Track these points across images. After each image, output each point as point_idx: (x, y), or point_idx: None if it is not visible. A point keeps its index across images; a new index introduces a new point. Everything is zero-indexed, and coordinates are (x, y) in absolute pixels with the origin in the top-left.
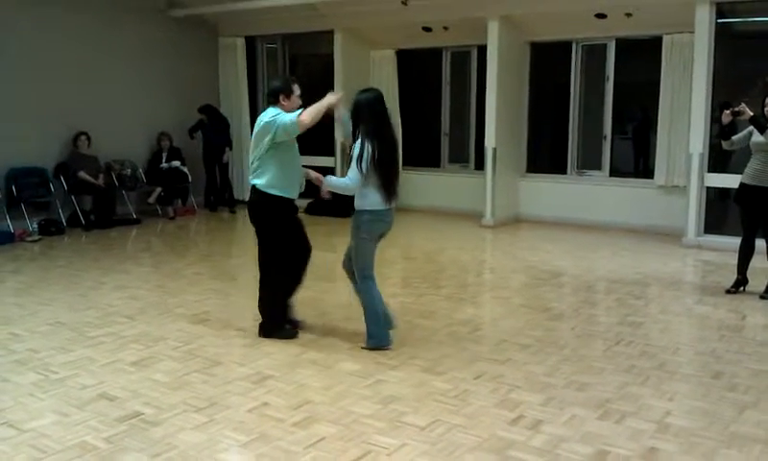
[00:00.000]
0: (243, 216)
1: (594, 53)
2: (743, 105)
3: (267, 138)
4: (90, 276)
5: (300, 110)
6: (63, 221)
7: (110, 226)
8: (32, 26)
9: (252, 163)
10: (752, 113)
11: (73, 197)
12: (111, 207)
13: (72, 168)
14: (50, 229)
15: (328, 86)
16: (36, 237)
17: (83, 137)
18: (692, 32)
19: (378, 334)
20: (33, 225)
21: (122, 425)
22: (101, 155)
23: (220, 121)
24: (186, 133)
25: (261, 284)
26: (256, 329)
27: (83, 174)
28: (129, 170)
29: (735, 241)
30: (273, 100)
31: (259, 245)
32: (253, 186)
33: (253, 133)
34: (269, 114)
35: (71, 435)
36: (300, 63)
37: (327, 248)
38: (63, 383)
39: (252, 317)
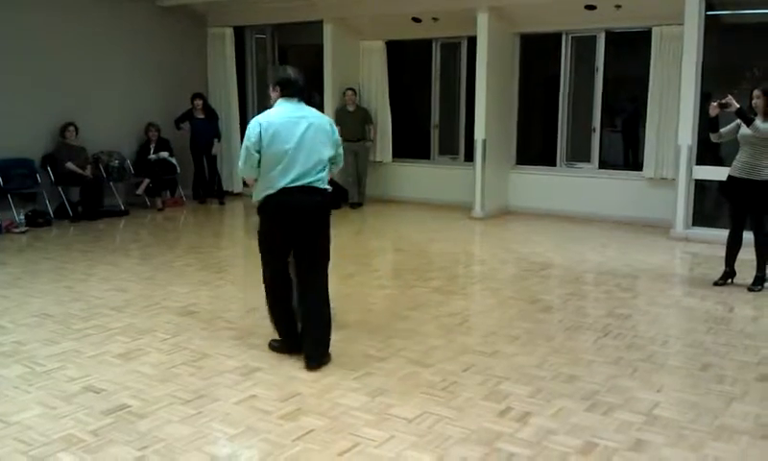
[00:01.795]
0: (231, 208)
1: (584, 45)
2: (729, 96)
3: (332, 150)
4: (77, 268)
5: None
6: (51, 212)
7: (98, 217)
8: (17, 16)
9: (322, 167)
10: (738, 105)
11: (60, 188)
12: (99, 199)
13: (59, 159)
14: (37, 220)
15: (318, 77)
16: (23, 229)
17: (70, 128)
18: (681, 24)
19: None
20: (20, 216)
21: (108, 418)
22: (88, 146)
23: (208, 112)
24: (173, 124)
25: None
26: (244, 322)
27: (70, 165)
28: (117, 161)
29: (723, 234)
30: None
31: (326, 249)
32: (324, 190)
33: (313, 132)
34: (328, 121)
35: (57, 428)
36: (289, 54)
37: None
38: (50, 376)
39: (244, 309)
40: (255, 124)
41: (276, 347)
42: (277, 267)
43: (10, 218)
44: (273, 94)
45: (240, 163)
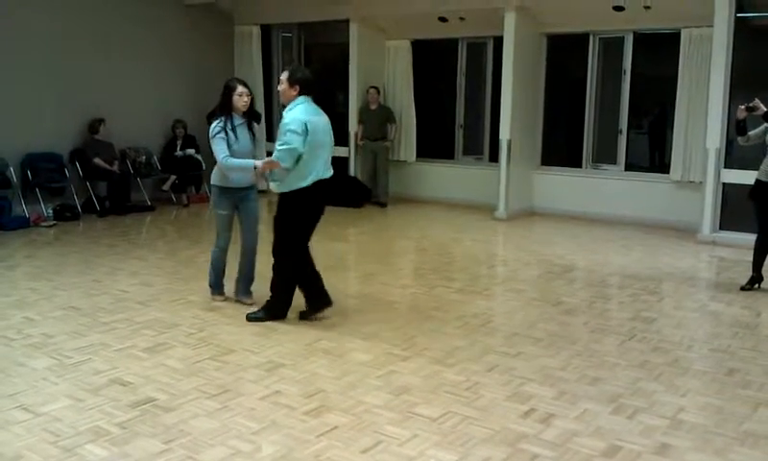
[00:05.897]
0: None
1: (611, 46)
2: (757, 100)
3: None
4: (104, 262)
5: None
6: (78, 207)
7: (125, 212)
8: (48, 14)
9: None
10: (765, 109)
11: (88, 183)
12: (126, 194)
13: (87, 154)
14: (65, 214)
15: (343, 76)
16: (51, 222)
17: (101, 124)
18: (711, 26)
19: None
20: (48, 210)
21: (135, 411)
22: (116, 141)
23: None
24: (205, 119)
25: None
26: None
27: (98, 160)
28: (144, 157)
29: (751, 238)
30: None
31: None
32: None
33: (329, 128)
34: None
35: (84, 420)
36: (315, 53)
37: (339, 238)
38: (77, 368)
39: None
40: (299, 121)
41: (307, 313)
42: (303, 246)
43: (38, 212)
44: (290, 91)
45: (285, 155)
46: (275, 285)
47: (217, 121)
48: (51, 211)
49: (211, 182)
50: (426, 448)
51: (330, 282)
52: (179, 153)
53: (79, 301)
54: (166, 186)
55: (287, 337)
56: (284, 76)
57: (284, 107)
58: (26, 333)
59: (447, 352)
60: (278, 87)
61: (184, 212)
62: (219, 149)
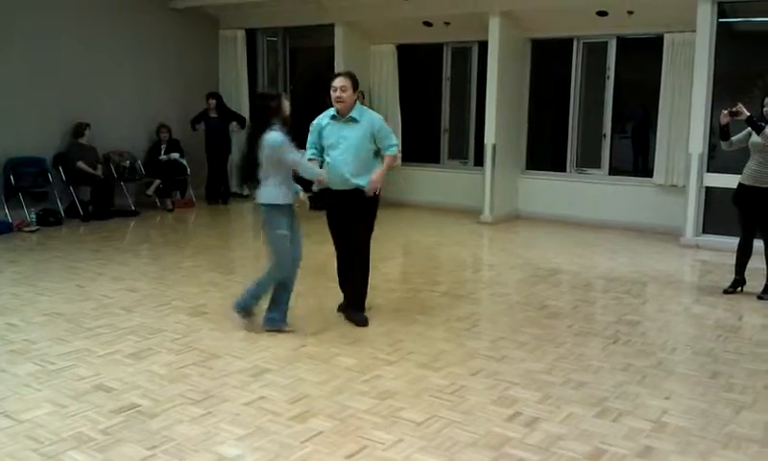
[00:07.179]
0: (240, 209)
1: (595, 50)
2: (740, 105)
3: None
4: (88, 267)
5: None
6: (62, 211)
7: (109, 217)
8: (32, 17)
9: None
10: (748, 114)
11: (71, 187)
12: (110, 199)
13: (71, 159)
14: (48, 219)
15: (328, 80)
16: (34, 227)
17: (87, 128)
18: (694, 31)
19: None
20: (31, 215)
21: (118, 417)
22: (100, 146)
23: (222, 112)
24: (189, 124)
25: None
26: (254, 324)
27: (81, 164)
28: (128, 161)
29: (733, 241)
30: None
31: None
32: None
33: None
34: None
35: (68, 426)
36: (300, 57)
37: (324, 241)
38: (60, 374)
39: (253, 310)
40: None
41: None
42: None
43: (21, 217)
44: (354, 96)
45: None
46: (364, 280)
47: (274, 133)
48: (34, 216)
49: (263, 202)
50: (411, 453)
51: (317, 286)
52: (163, 157)
53: (62, 306)
54: (150, 191)
55: (272, 342)
56: (347, 82)
57: (341, 115)
58: (8, 339)
59: (433, 357)
60: (339, 94)
61: (169, 217)
62: (293, 154)
